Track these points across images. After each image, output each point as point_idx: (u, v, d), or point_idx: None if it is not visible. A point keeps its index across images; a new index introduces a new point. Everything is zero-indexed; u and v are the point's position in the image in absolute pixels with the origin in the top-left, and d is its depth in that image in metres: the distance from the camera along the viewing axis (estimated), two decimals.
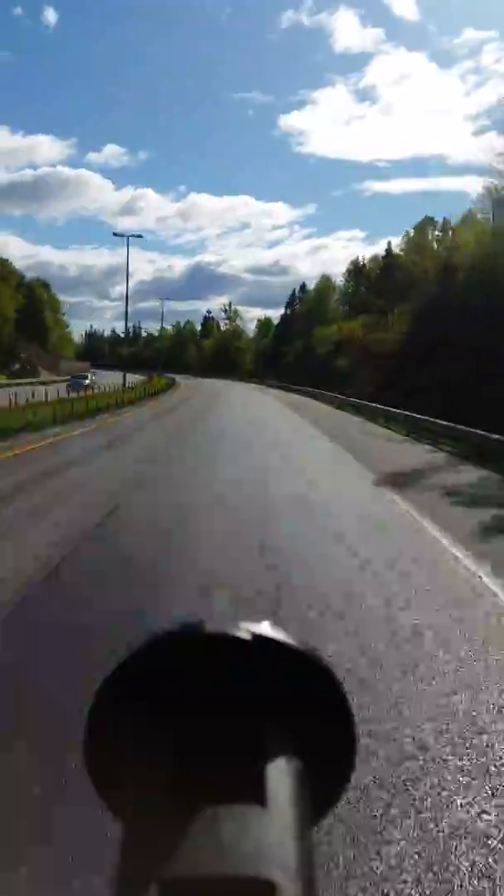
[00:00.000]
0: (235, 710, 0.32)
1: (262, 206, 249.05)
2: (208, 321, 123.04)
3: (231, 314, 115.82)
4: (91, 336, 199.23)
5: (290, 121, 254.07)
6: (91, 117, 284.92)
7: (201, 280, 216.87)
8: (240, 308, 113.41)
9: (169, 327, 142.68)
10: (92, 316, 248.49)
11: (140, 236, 60.24)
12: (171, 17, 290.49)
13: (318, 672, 0.33)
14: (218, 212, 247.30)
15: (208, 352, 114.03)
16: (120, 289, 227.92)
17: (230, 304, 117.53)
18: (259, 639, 0.33)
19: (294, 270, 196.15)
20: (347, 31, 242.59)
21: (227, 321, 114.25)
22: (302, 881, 0.25)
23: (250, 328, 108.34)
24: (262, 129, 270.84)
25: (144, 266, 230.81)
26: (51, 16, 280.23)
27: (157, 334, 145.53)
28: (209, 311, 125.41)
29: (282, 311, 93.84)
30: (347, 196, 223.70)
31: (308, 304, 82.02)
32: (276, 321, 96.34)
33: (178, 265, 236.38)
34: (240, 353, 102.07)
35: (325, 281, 79.98)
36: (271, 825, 0.27)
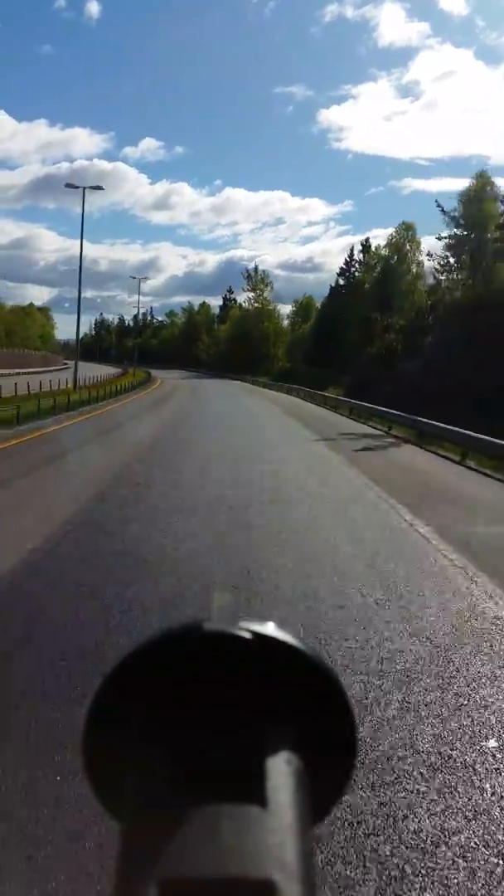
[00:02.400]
0: (236, 710, 0.32)
1: (298, 201, 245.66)
2: (228, 303, 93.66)
3: (256, 281, 79.09)
4: (100, 325, 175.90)
5: (330, 116, 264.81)
6: (129, 111, 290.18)
7: (233, 276, 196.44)
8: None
9: (179, 313, 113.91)
10: (122, 311, 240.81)
11: (100, 188, 41.10)
12: (215, 11, 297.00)
13: (319, 672, 0.33)
14: (252, 207, 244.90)
15: (224, 339, 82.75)
16: (152, 283, 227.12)
17: (256, 268, 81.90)
18: (259, 638, 0.32)
19: (327, 267, 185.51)
20: (392, 24, 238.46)
21: (250, 293, 79.71)
22: (302, 881, 0.25)
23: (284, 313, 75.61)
24: (301, 124, 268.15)
25: (176, 261, 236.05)
26: (93, 8, 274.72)
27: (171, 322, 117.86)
28: (230, 291, 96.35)
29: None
30: (385, 193, 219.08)
31: (378, 267, 52.05)
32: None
33: (211, 260, 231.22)
34: (267, 342, 70.22)
35: (405, 231, 49.76)
36: (271, 825, 0.27)
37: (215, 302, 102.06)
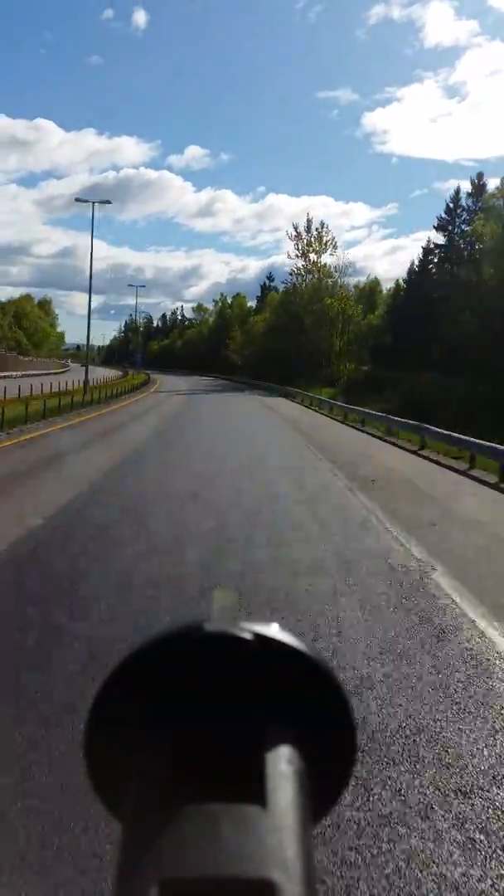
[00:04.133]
0: (236, 711, 0.32)
1: (342, 206, 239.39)
2: (266, 289, 73.25)
3: (311, 240, 51.35)
4: (129, 328, 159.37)
5: (374, 119, 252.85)
6: (176, 119, 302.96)
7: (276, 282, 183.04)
8: None
9: (210, 306, 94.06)
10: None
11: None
12: (261, 18, 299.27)
13: (319, 673, 0.33)
14: (295, 213, 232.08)
15: (259, 331, 60.88)
16: (195, 290, 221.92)
17: (309, 221, 52.54)
18: (260, 639, 0.32)
19: (369, 271, 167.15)
20: (440, 23, 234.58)
21: (299, 260, 52.13)
22: (302, 881, 0.25)
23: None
24: (345, 128, 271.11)
25: (219, 268, 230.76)
26: (140, 18, 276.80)
27: (203, 319, 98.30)
28: (269, 278, 76.00)
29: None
30: (430, 196, 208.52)
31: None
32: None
33: (253, 266, 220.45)
34: (327, 328, 46.01)
35: None
36: (271, 825, 0.27)
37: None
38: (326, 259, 51.16)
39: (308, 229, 51.77)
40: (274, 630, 0.33)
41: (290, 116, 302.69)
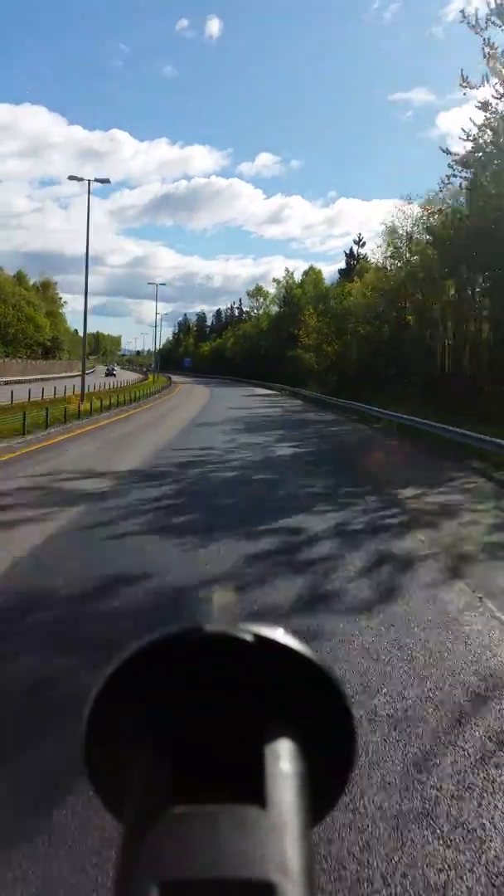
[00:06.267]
0: (236, 712, 0.32)
1: (415, 209, 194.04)
2: (355, 260, 50.42)
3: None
4: (182, 328, 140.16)
5: (450, 119, 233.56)
6: (248, 127, 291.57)
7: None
8: None
9: (272, 290, 71.13)
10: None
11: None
12: (335, 21, 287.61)
13: (319, 674, 0.33)
14: (365, 217, 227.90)
15: (359, 308, 35.99)
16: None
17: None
18: (259, 640, 0.32)
19: None
20: None
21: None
22: (302, 881, 0.25)
23: None
24: (419, 129, 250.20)
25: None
26: (214, 27, 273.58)
27: (258, 313, 75.53)
28: (358, 241, 52.86)
29: None
30: None
31: None
32: None
33: (324, 272, 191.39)
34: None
35: None
36: (271, 825, 0.27)
37: None
38: None
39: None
40: (273, 631, 0.32)
41: (363, 120, 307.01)
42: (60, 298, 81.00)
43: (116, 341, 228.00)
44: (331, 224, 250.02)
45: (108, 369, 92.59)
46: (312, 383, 41.52)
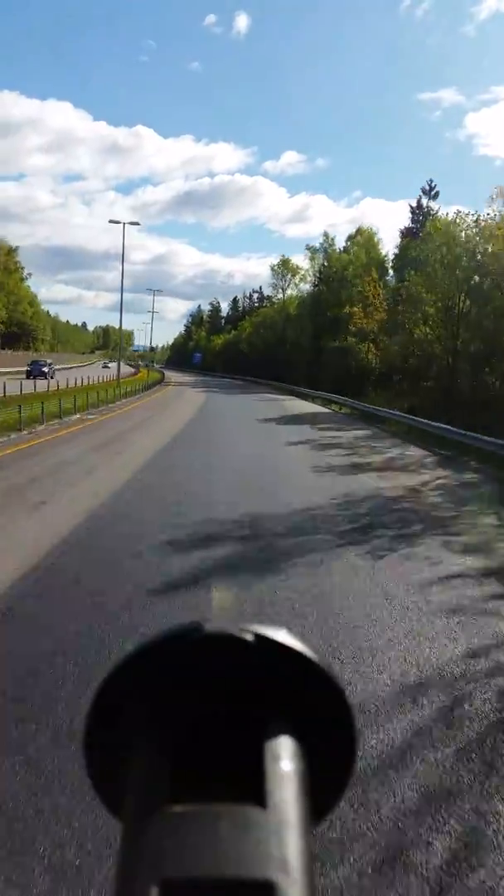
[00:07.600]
0: (236, 711, 0.32)
1: (442, 209, 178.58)
2: (423, 213, 36.11)
3: None
4: (195, 320, 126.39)
5: (479, 119, 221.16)
6: (274, 124, 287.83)
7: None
8: None
9: (304, 265, 56.28)
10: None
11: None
12: (366, 17, 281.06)
13: (319, 674, 0.33)
14: (390, 217, 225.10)
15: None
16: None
17: None
18: (260, 639, 0.32)
19: None
20: None
21: None
22: (302, 881, 0.25)
23: None
24: (447, 129, 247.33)
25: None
26: (242, 22, 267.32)
27: (276, 301, 60.63)
28: (430, 190, 38.43)
29: None
30: None
31: None
32: None
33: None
34: None
35: None
36: (271, 825, 0.27)
37: None
38: None
39: None
40: (273, 631, 0.32)
41: (390, 119, 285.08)
42: (22, 269, 67.63)
43: (128, 336, 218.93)
44: (354, 224, 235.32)
45: (103, 363, 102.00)
46: (375, 392, 27.38)
